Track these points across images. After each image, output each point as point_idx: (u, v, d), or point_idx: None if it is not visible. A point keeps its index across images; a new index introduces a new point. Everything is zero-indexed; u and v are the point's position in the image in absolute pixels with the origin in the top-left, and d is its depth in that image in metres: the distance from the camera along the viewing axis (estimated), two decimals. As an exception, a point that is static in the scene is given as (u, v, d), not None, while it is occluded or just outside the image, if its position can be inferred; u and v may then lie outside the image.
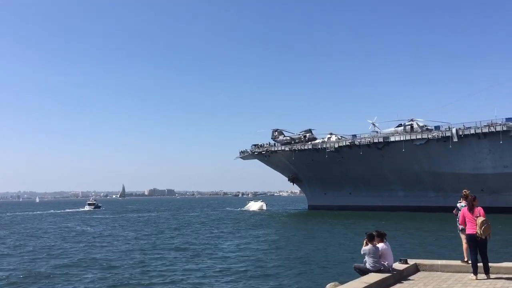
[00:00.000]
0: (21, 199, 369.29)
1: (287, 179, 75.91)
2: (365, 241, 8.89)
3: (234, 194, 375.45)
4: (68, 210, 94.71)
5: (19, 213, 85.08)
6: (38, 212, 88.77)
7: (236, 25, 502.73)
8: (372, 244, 8.77)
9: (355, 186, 65.95)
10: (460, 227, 9.33)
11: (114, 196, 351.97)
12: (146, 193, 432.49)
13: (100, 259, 21.47)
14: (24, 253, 24.37)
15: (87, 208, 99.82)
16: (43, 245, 28.52)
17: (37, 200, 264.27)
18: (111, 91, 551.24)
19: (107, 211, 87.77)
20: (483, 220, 8.30)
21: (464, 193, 9.31)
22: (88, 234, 36.54)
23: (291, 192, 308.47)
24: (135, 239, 31.40)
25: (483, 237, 8.29)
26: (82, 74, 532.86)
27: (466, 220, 8.61)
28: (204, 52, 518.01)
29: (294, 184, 76.82)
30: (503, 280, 8.20)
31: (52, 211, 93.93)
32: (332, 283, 8.76)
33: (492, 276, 8.46)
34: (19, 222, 56.33)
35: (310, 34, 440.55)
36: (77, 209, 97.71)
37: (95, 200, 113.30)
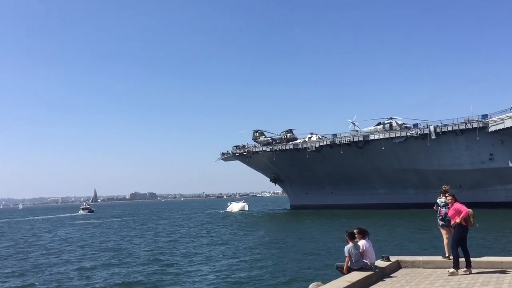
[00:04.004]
0: (1, 206, 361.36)
1: (269, 179, 75.98)
2: (346, 239, 8.80)
3: (216, 196, 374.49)
4: (61, 215, 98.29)
5: (9, 220, 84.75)
6: (35, 217, 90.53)
7: (215, 23, 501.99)
8: (353, 242, 8.68)
9: (336, 185, 66.32)
10: (441, 222, 9.35)
11: (98, 200, 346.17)
12: (127, 197, 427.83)
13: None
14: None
15: (81, 212, 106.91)
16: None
17: (20, 206, 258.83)
18: (88, 93, 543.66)
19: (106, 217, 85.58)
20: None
21: (444, 188, 9.34)
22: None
23: (274, 193, 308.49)
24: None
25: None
26: (57, 76, 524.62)
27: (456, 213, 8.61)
28: (183, 52, 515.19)
29: (276, 184, 76.92)
30: (484, 275, 8.22)
31: (50, 216, 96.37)
32: (315, 283, 8.65)
33: (473, 271, 8.48)
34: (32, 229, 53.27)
35: (289, 33, 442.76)
36: (73, 214, 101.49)
37: (88, 205, 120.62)
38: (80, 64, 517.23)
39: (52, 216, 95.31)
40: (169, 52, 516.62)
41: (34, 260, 23.79)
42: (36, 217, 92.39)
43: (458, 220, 8.49)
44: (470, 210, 8.59)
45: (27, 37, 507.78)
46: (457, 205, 8.66)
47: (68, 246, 30.72)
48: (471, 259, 8.59)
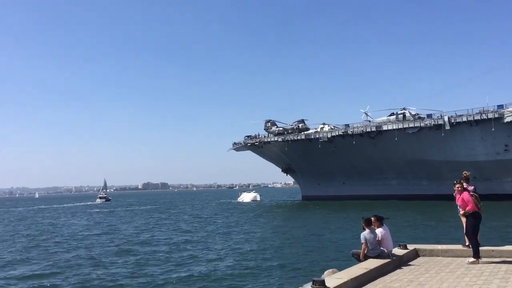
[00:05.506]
0: (17, 195, 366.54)
1: (280, 170, 75.75)
2: (362, 226, 8.56)
3: (228, 186, 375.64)
4: (79, 204, 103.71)
5: (34, 208, 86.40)
6: (57, 206, 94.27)
7: (228, 13, 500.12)
8: (370, 228, 8.43)
9: (348, 176, 65.84)
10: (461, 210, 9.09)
11: (110, 190, 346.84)
12: (140, 186, 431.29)
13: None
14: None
15: (98, 201, 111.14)
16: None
17: (37, 195, 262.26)
18: (102, 84, 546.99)
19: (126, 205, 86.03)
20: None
21: (465, 175, 9.10)
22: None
23: (285, 183, 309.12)
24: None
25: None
26: (72, 66, 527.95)
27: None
28: (196, 42, 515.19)
29: (288, 174, 76.67)
30: (507, 264, 7.94)
31: (70, 204, 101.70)
32: (330, 270, 8.44)
33: (496, 259, 8.24)
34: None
35: (302, 23, 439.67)
36: (92, 203, 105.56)
37: (105, 194, 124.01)
38: (93, 54, 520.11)
39: (72, 205, 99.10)
40: (182, 43, 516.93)
41: (88, 251, 22.36)
42: (57, 206, 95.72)
43: (461, 214, 8.59)
44: (474, 196, 8.52)
45: (44, 28, 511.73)
46: (465, 196, 8.45)
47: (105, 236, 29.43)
48: (494, 248, 8.35)
